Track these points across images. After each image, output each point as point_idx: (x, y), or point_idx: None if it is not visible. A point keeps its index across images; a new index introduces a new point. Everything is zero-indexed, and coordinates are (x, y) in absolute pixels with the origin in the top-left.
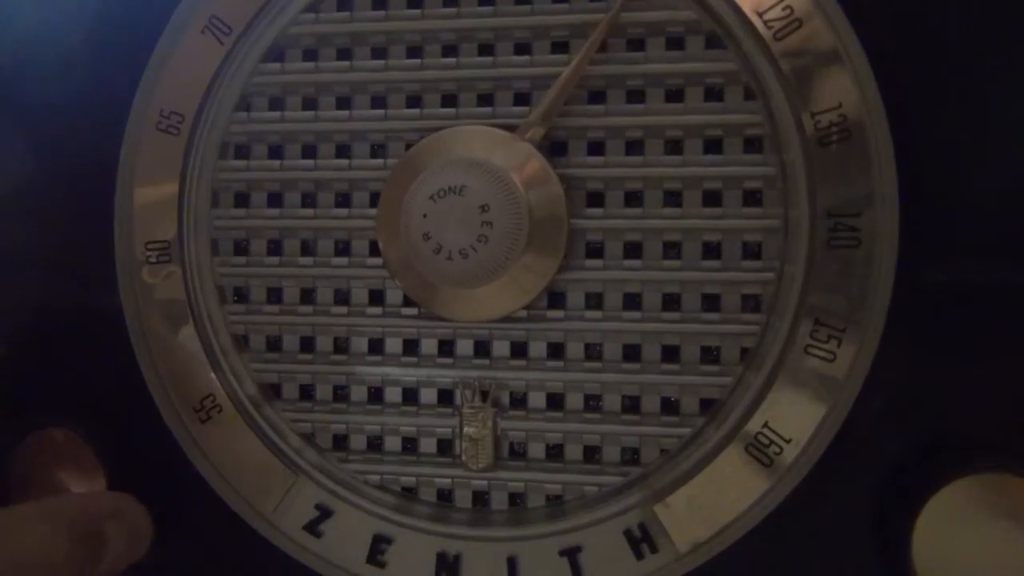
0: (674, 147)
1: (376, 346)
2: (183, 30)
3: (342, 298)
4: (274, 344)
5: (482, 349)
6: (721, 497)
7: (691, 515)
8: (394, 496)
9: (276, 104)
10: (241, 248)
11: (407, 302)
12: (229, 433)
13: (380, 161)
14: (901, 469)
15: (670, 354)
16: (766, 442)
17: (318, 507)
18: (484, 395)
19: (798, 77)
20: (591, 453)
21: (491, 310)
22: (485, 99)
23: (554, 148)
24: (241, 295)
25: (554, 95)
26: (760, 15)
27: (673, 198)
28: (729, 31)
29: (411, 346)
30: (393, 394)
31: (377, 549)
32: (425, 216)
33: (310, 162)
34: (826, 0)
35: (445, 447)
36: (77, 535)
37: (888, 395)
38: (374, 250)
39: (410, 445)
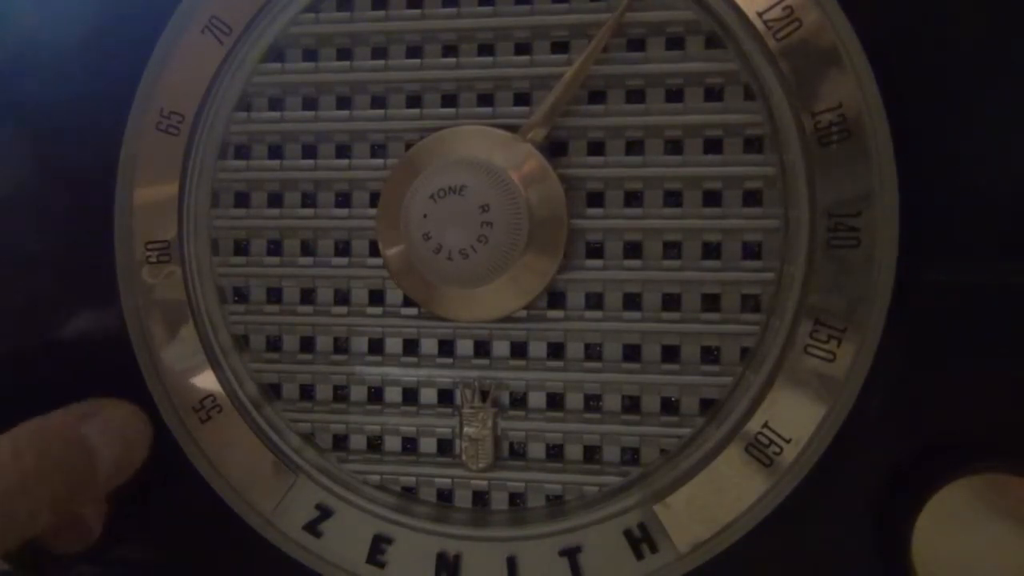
0: (674, 147)
1: (376, 346)
2: (183, 30)
3: (342, 298)
4: (274, 344)
5: (482, 349)
6: (721, 497)
7: (691, 515)
8: (394, 496)
9: (276, 104)
10: (241, 248)
11: (407, 302)
12: (229, 433)
13: (380, 161)
14: (901, 469)
15: (670, 354)
16: (766, 442)
17: (318, 507)
18: (484, 395)
19: (798, 77)
20: (591, 453)
21: (491, 310)
22: (485, 99)
23: (554, 148)
24: (241, 295)
25: (556, 96)
26: (760, 15)
27: (673, 198)
28: (729, 31)
29: (411, 346)
30: (393, 394)
31: (377, 549)
32: (425, 216)
33: (310, 162)
34: (826, 0)
35: (445, 447)
36: (47, 446)
37: (888, 395)
38: (374, 250)
39: (410, 445)
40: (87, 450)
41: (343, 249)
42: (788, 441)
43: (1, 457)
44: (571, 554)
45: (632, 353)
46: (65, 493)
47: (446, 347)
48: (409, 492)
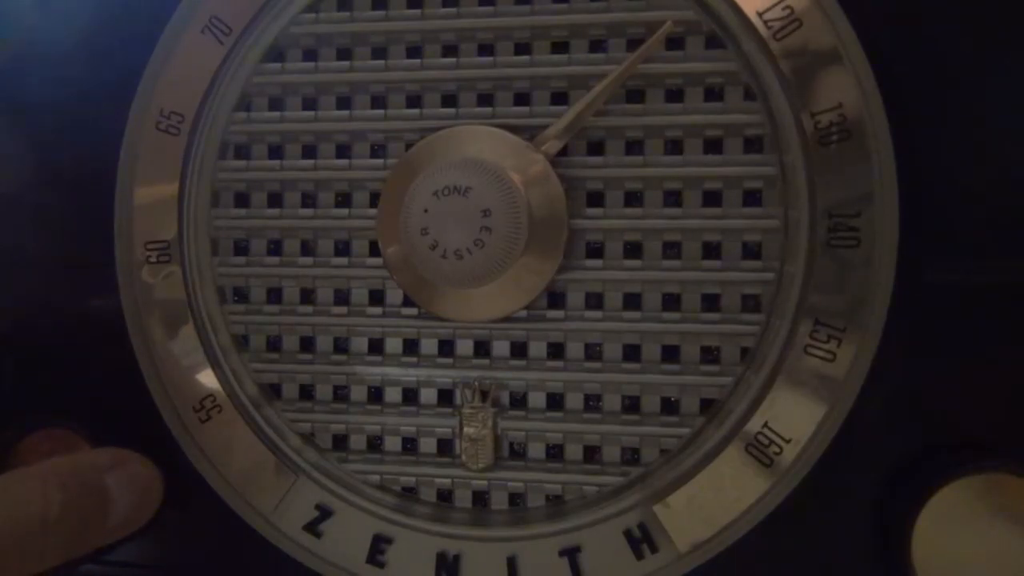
0: (674, 147)
1: (376, 346)
2: (183, 30)
3: (342, 298)
4: (274, 344)
5: (482, 349)
6: (721, 497)
7: (691, 515)
8: (394, 496)
9: (276, 104)
10: (241, 248)
11: (407, 302)
12: (229, 433)
13: (380, 161)
14: (901, 469)
15: (670, 354)
16: (766, 442)
17: (318, 507)
18: (484, 395)
19: (798, 77)
20: (591, 453)
21: (491, 310)
22: (485, 99)
23: None
24: (241, 295)
25: (578, 111)
26: (760, 15)
27: (673, 198)
28: (729, 31)
29: (411, 346)
30: (393, 394)
31: (377, 549)
32: (426, 211)
33: (310, 162)
34: (826, 0)
35: (445, 447)
36: (73, 489)
37: (888, 395)
38: (374, 250)
39: (410, 445)
40: (106, 500)
41: (343, 249)
42: (788, 441)
43: (31, 490)
44: (571, 554)
45: (632, 353)
46: (76, 537)
47: (446, 347)
48: (409, 492)
